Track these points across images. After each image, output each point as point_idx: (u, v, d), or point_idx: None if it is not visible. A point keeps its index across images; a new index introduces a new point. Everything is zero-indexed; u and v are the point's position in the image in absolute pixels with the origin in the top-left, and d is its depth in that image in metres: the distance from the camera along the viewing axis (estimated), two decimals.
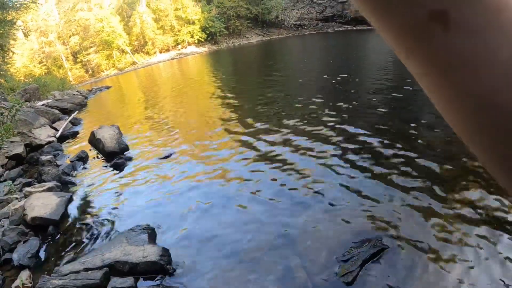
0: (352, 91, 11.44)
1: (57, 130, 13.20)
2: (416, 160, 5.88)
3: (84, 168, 8.56)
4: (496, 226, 4.04)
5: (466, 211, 4.39)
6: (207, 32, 56.88)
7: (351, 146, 6.84)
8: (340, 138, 7.34)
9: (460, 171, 5.34)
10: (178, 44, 57.25)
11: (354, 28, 50.88)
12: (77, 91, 26.81)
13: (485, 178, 4.96)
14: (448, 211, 4.45)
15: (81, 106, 20.32)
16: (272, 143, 7.66)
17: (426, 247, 3.91)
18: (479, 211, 4.36)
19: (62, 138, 12.30)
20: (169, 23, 56.23)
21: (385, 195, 5.03)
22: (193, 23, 56.46)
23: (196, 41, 57.11)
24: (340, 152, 6.71)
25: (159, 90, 21.35)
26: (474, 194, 4.72)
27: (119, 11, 56.30)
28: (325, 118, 8.72)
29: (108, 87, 30.90)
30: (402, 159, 5.99)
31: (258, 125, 9.15)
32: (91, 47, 53.03)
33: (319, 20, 57.00)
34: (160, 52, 56.35)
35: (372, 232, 4.27)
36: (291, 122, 8.94)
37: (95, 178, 7.73)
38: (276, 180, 6.02)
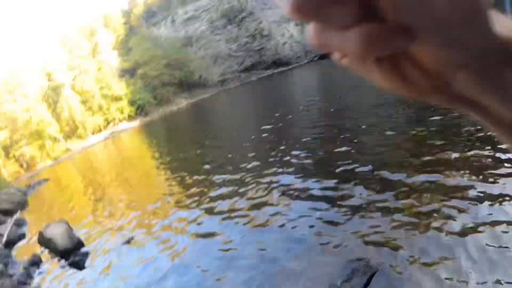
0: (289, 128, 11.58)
1: (2, 235, 12.43)
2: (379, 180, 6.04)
3: (41, 273, 8.00)
4: (489, 235, 4.05)
5: (445, 221, 4.51)
6: (136, 105, 56.92)
7: (316, 183, 6.93)
8: (299, 176, 7.44)
9: (440, 185, 5.38)
10: (109, 123, 56.72)
11: (275, 71, 53.67)
12: (15, 188, 25.40)
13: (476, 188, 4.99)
14: (420, 221, 4.56)
15: (22, 204, 19.33)
16: (230, 200, 7.63)
17: (413, 259, 3.97)
18: (460, 220, 4.43)
19: (10, 244, 11.70)
20: (96, 103, 55.77)
21: (355, 221, 5.09)
22: (121, 98, 56.40)
23: (127, 117, 56.79)
24: (303, 188, 6.80)
25: (99, 176, 21.00)
26: (460, 202, 4.76)
27: (45, 98, 55.07)
28: (278, 163, 8.79)
29: (46, 180, 29.60)
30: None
31: (211, 191, 8.94)
32: (22, 139, 50.99)
33: (241, 72, 59.21)
34: (93, 134, 55.31)
35: (355, 260, 4.24)
36: (242, 174, 8.94)
37: (55, 282, 7.25)
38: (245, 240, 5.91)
